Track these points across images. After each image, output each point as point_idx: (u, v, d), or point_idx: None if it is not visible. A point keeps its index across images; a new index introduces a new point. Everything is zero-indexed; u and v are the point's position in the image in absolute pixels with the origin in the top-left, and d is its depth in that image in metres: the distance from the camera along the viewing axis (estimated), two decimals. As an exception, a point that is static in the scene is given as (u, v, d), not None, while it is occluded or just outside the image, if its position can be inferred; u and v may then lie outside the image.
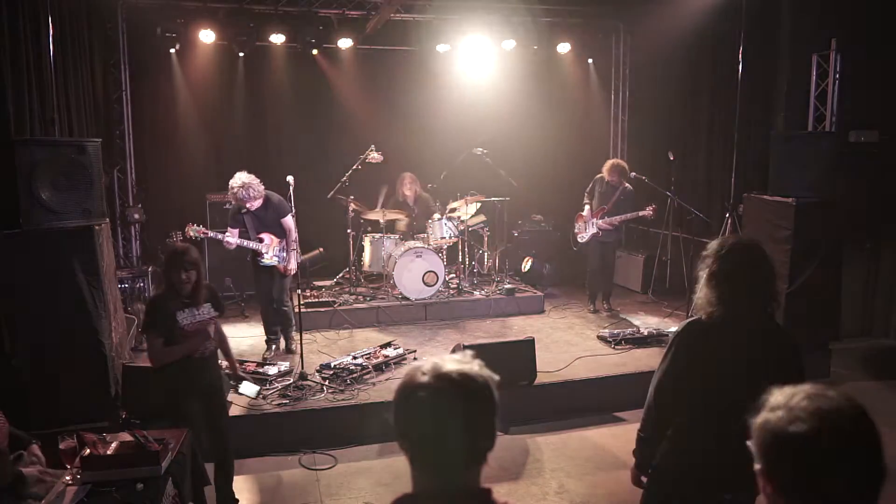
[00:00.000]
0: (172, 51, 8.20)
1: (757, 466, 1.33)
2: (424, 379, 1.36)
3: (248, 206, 5.78)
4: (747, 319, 2.43)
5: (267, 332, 6.28)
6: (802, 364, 2.49)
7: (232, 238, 5.79)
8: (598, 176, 7.59)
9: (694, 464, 2.49)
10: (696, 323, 2.52)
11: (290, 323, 6.27)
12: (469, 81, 9.53)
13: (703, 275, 2.52)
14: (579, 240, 7.68)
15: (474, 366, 1.40)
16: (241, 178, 5.73)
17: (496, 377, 1.41)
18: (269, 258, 5.89)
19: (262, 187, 5.84)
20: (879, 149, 7.01)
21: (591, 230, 7.48)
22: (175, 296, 3.79)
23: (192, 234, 5.81)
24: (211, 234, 5.84)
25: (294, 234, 5.98)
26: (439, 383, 1.34)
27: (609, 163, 7.48)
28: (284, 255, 5.96)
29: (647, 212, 7.29)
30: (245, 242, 5.84)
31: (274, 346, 6.27)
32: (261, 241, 5.87)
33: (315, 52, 8.53)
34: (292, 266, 5.99)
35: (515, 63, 9.51)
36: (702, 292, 2.51)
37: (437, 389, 1.34)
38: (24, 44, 5.17)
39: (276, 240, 5.94)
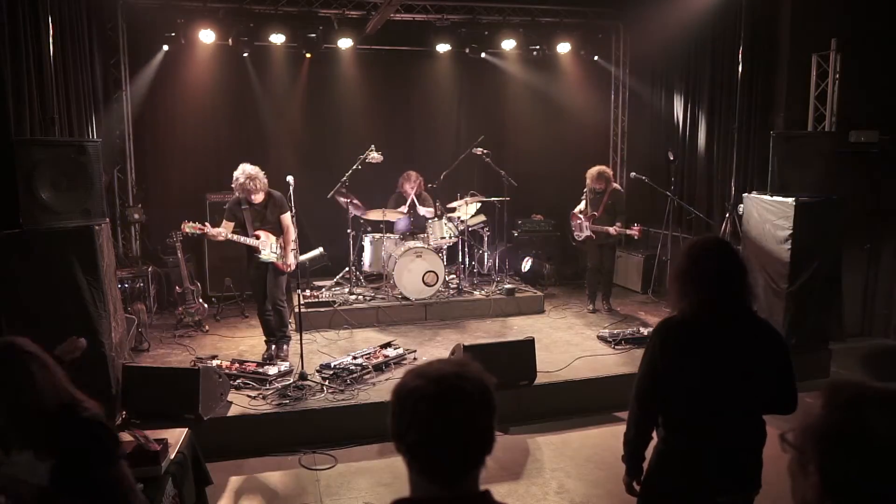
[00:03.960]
0: (172, 50, 8.20)
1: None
2: (422, 382, 1.34)
3: (251, 198, 5.74)
4: (723, 315, 2.42)
5: (266, 335, 6.22)
6: (790, 358, 2.48)
7: (224, 230, 5.73)
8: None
9: (686, 467, 2.47)
10: (670, 321, 2.51)
11: (285, 323, 6.16)
12: (469, 81, 9.56)
13: (673, 273, 2.52)
14: (576, 237, 7.76)
15: (472, 368, 1.38)
16: (247, 169, 5.71)
17: (494, 379, 1.39)
18: (267, 255, 5.83)
19: (266, 181, 5.83)
20: (879, 149, 7.01)
21: (586, 232, 7.56)
22: None
23: (188, 231, 5.78)
24: (208, 230, 5.75)
25: (293, 234, 5.94)
26: (438, 387, 1.32)
27: (592, 171, 7.44)
28: (281, 251, 5.91)
29: (633, 231, 7.19)
30: (242, 238, 5.78)
31: (274, 347, 6.21)
32: (257, 237, 5.81)
33: (308, 54, 8.50)
34: (290, 262, 5.96)
35: (515, 63, 9.52)
36: (672, 290, 2.51)
37: (435, 394, 1.32)
38: (24, 44, 5.16)
39: (272, 236, 5.89)
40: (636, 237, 7.35)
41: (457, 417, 1.31)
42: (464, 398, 1.32)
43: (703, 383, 2.41)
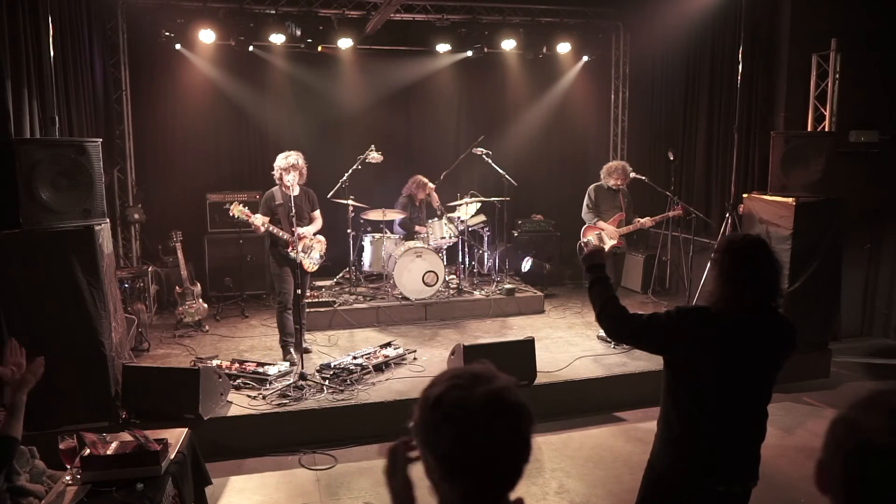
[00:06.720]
0: (172, 50, 8.20)
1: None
2: (464, 394, 1.25)
3: (289, 185, 5.70)
4: (758, 315, 2.44)
5: (282, 335, 6.00)
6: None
7: (264, 222, 5.74)
8: (596, 185, 6.81)
9: (691, 458, 2.49)
10: (704, 310, 2.49)
11: (302, 318, 6.36)
12: (469, 82, 9.56)
13: (713, 272, 2.50)
14: None
15: (510, 383, 1.30)
16: (293, 154, 5.78)
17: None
18: (296, 253, 5.80)
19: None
20: (879, 149, 7.02)
21: (610, 243, 6.70)
22: None
23: (236, 213, 5.76)
24: (253, 219, 5.71)
25: (320, 223, 6.14)
26: (485, 401, 1.25)
27: (615, 165, 6.79)
28: (309, 253, 6.00)
29: (678, 211, 6.89)
30: (280, 231, 5.78)
31: (292, 349, 5.97)
32: (292, 234, 5.73)
33: (319, 48, 8.48)
34: (309, 231, 6.03)
35: (515, 63, 9.52)
36: (712, 286, 2.49)
37: (483, 408, 1.24)
38: (24, 44, 5.16)
39: (305, 239, 5.94)
40: (681, 215, 7.03)
41: (508, 432, 1.26)
42: (510, 411, 1.26)
43: (730, 380, 2.43)
